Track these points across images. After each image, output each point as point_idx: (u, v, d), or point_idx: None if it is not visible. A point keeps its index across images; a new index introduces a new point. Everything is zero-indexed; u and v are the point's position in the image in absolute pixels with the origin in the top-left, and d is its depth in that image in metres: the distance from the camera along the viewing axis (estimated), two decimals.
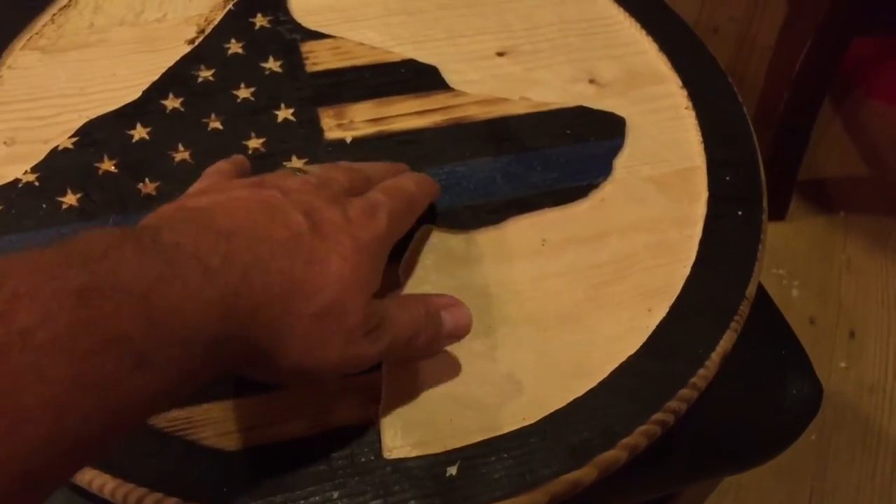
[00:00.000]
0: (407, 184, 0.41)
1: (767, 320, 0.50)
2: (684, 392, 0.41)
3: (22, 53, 0.50)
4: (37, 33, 0.51)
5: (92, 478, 0.36)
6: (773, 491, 0.93)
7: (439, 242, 0.45)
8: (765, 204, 0.48)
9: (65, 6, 0.52)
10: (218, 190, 0.35)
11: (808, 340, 1.02)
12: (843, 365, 1.02)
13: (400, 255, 0.44)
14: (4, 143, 0.46)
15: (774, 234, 1.11)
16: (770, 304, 0.51)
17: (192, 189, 0.38)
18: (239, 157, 0.43)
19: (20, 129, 0.47)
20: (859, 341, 1.04)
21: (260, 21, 0.53)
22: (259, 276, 0.31)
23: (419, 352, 0.38)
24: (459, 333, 0.40)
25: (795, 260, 1.10)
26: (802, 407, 0.47)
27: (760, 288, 0.48)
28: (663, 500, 0.62)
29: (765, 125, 1.07)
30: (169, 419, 0.38)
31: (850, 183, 1.19)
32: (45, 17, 0.52)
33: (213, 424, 0.38)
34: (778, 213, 1.15)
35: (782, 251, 1.10)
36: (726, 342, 0.43)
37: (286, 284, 0.32)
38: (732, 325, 0.43)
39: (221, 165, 0.41)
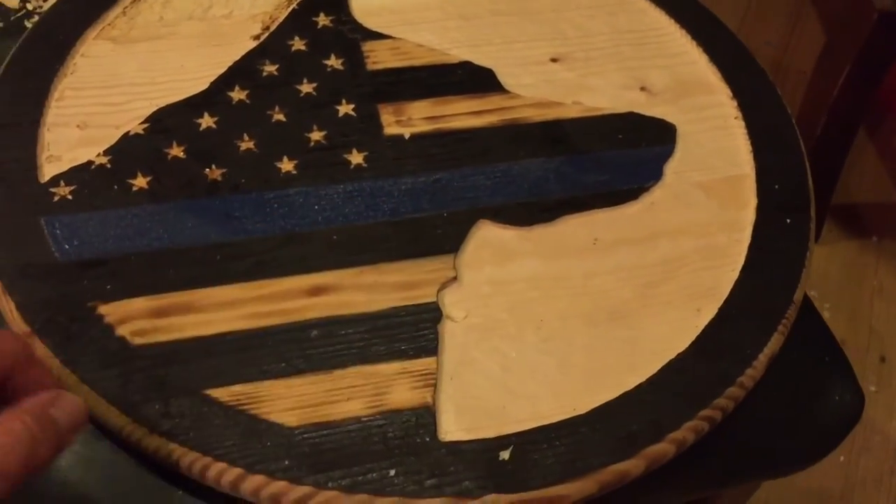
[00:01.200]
0: (28, 433, 0.31)
1: (811, 328, 0.51)
2: (732, 390, 0.42)
3: (95, 43, 0.52)
4: (109, 24, 0.53)
5: (158, 446, 0.37)
6: None
7: (494, 237, 0.46)
8: (812, 213, 0.49)
9: (136, 0, 0.54)
10: None
11: None
12: (872, 389, 1.01)
13: (456, 248, 0.45)
14: (78, 126, 0.48)
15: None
16: (814, 312, 0.52)
17: None
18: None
19: (93, 114, 0.48)
20: (889, 366, 1.03)
21: (322, 20, 0.55)
22: None
23: (46, 464, 0.31)
24: (78, 425, 0.33)
25: (828, 283, 1.11)
26: (844, 413, 0.48)
27: (805, 297, 0.49)
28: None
29: None
30: (234, 394, 0.39)
31: (883, 209, 1.20)
32: (118, 10, 0.53)
33: (277, 400, 0.39)
34: None
35: (815, 273, 1.10)
36: (774, 344, 0.44)
37: None
38: (780, 328, 0.44)
39: None
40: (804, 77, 1.14)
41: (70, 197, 0.45)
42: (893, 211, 1.20)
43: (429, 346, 0.42)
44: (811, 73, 1.10)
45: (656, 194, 0.49)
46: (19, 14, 0.62)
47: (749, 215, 0.49)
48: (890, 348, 1.05)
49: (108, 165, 0.46)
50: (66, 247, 0.43)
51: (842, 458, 0.96)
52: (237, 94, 0.50)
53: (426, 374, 0.41)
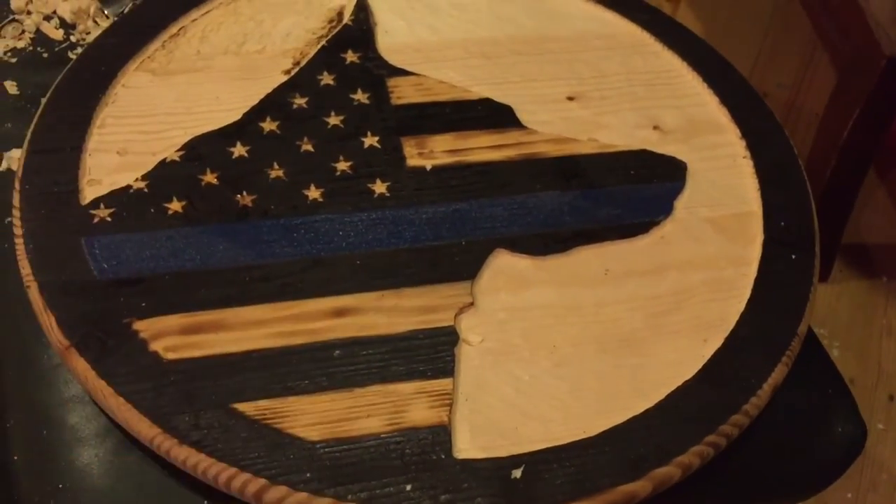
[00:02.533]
0: None
1: (815, 361, 0.52)
2: (737, 418, 0.43)
3: (135, 74, 0.55)
4: (149, 57, 0.56)
5: (186, 456, 0.39)
6: None
7: (510, 265, 0.48)
8: (817, 249, 0.51)
9: (175, 34, 0.57)
10: None
11: None
12: (881, 427, 1.02)
13: (473, 275, 0.47)
14: (117, 152, 0.50)
15: (817, 295, 1.12)
16: (818, 346, 0.54)
17: None
18: None
19: (132, 141, 0.51)
20: None
21: (350, 57, 0.57)
22: None
23: None
24: None
25: (837, 321, 1.12)
26: (847, 445, 0.49)
27: (810, 331, 0.51)
28: None
29: (811, 189, 1.09)
30: (260, 408, 0.41)
31: (893, 249, 1.21)
32: (157, 44, 0.56)
33: (300, 416, 0.41)
34: (821, 275, 1.16)
35: (824, 312, 1.11)
36: (777, 374, 0.45)
37: None
38: (784, 359, 0.46)
39: None
40: (816, 119, 1.16)
41: (109, 219, 0.47)
42: None
43: (446, 367, 0.43)
44: (822, 116, 1.12)
45: (666, 228, 0.51)
46: (63, 45, 0.65)
47: (756, 250, 0.51)
48: None
49: (146, 190, 0.49)
50: (105, 266, 0.45)
51: (849, 496, 0.96)
52: (268, 125, 0.53)
53: (443, 395, 0.43)
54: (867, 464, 0.98)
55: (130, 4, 0.64)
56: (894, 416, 1.04)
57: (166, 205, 0.48)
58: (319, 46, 0.58)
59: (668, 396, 0.44)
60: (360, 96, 0.55)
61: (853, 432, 0.50)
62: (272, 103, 0.54)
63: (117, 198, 0.48)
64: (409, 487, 0.39)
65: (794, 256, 0.50)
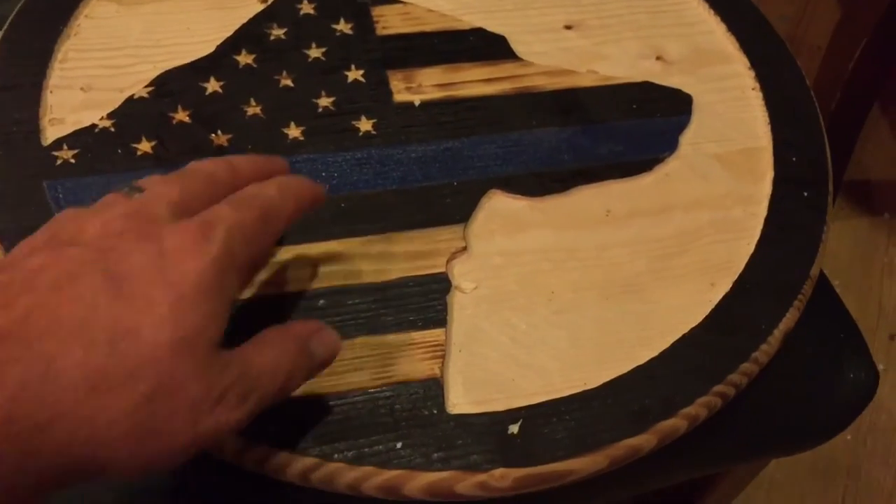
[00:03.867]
0: (266, 190, 0.33)
1: (826, 304, 0.50)
2: (746, 366, 0.41)
3: (99, 4, 0.51)
4: None
5: None
6: (808, 488, 0.92)
7: (505, 207, 0.45)
8: (830, 186, 0.48)
9: None
10: (13, 262, 0.28)
11: None
12: (881, 367, 1.01)
13: (466, 218, 0.44)
14: (81, 89, 0.47)
15: None
16: (829, 289, 0.51)
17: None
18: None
19: (97, 76, 0.47)
20: None
21: None
22: (44, 385, 0.25)
23: (294, 390, 0.33)
24: (330, 361, 0.35)
25: (837, 260, 1.10)
26: (858, 391, 0.47)
27: (821, 272, 0.48)
28: (703, 485, 0.62)
29: None
30: None
31: (895, 186, 1.18)
32: None
33: None
34: None
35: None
36: (789, 320, 0.43)
37: (85, 382, 0.26)
38: (795, 303, 0.43)
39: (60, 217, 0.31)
40: (819, 52, 1.13)
41: (73, 161, 0.44)
42: None
43: (437, 317, 0.41)
44: (826, 48, 1.08)
45: (671, 165, 0.48)
46: None
47: (765, 188, 0.48)
48: None
49: (112, 129, 0.45)
50: None
51: (848, 437, 0.95)
52: (244, 59, 0.49)
53: (435, 346, 0.40)
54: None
55: None
56: (894, 356, 1.02)
57: (135, 145, 0.45)
58: None
59: (674, 345, 0.41)
60: (343, 26, 0.51)
61: (864, 378, 0.48)
62: (248, 34, 0.50)
63: (81, 138, 0.45)
64: (399, 445, 0.37)
65: (805, 194, 0.47)
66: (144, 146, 0.45)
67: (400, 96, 0.49)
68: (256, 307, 0.40)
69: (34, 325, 0.26)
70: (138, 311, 0.27)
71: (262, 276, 0.41)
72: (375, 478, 0.36)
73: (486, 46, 0.52)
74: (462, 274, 0.43)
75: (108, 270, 0.28)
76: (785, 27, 1.34)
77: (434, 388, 0.39)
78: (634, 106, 0.50)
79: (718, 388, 0.40)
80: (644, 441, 0.38)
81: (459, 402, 0.39)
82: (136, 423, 0.27)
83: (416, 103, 0.49)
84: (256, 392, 0.30)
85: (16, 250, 0.30)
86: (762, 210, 0.47)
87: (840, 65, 1.03)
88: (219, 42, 0.50)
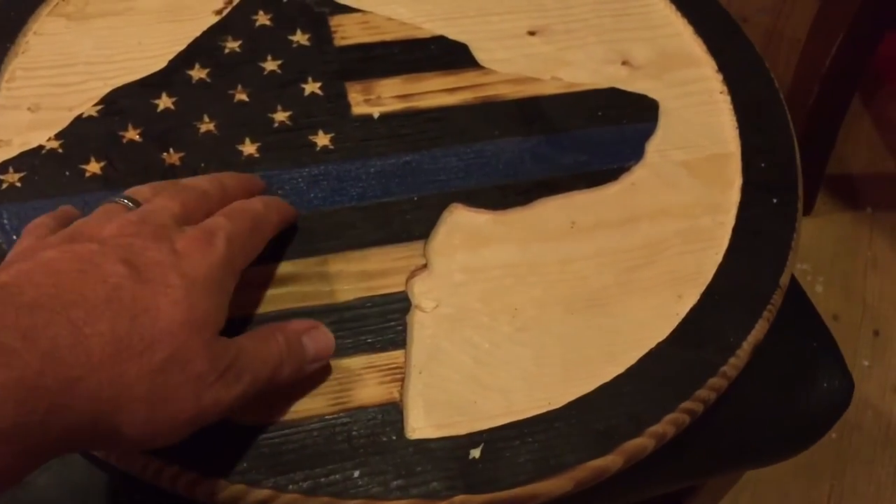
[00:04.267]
0: (253, 205, 0.39)
1: (799, 312, 0.49)
2: (714, 381, 0.40)
3: (48, 19, 0.49)
4: (63, 0, 0.50)
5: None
6: (793, 488, 0.92)
7: (466, 221, 0.44)
8: (800, 192, 0.47)
9: None
10: (25, 256, 0.32)
11: None
12: (866, 363, 1.00)
13: (427, 234, 0.43)
14: (29, 109, 0.45)
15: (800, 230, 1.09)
16: (802, 296, 0.50)
17: (7, 258, 0.34)
18: (65, 209, 0.39)
19: (45, 95, 0.46)
20: (883, 340, 1.02)
21: None
22: (72, 348, 0.28)
23: (286, 381, 0.36)
24: (323, 357, 0.38)
25: (820, 255, 1.09)
26: (832, 400, 0.46)
27: (792, 279, 0.47)
28: (684, 491, 0.61)
29: (793, 119, 1.05)
30: None
31: (877, 179, 1.18)
32: None
33: None
34: (804, 208, 1.14)
35: (807, 246, 1.08)
36: (758, 331, 0.42)
37: (109, 347, 0.29)
38: (765, 314, 0.42)
39: (42, 219, 0.36)
40: (798, 45, 1.12)
41: (19, 184, 0.43)
42: (888, 181, 1.18)
43: (396, 338, 0.40)
44: (804, 42, 1.07)
45: (637, 174, 0.47)
46: None
47: (734, 196, 0.47)
48: (884, 322, 1.04)
49: (60, 150, 0.44)
50: (15, 237, 0.41)
51: (833, 436, 0.94)
52: (197, 73, 0.48)
53: (394, 369, 0.39)
54: (852, 402, 0.96)
55: None
56: (879, 351, 1.01)
57: (83, 166, 0.44)
58: None
59: (640, 360, 0.40)
60: (300, 37, 0.50)
61: (839, 386, 0.47)
62: (201, 48, 0.49)
63: (28, 160, 0.44)
64: (356, 473, 0.36)
65: (775, 201, 0.46)
66: (93, 167, 0.44)
67: (358, 109, 0.48)
68: None
69: (63, 298, 0.29)
70: (156, 294, 0.31)
71: None
72: None
73: (448, 55, 0.51)
74: (422, 292, 0.41)
75: (127, 260, 0.31)
76: (765, 20, 1.33)
77: (393, 413, 0.38)
78: (599, 113, 0.49)
79: (686, 404, 0.39)
80: (610, 462, 0.37)
81: (419, 426, 0.38)
82: (151, 389, 0.30)
83: (376, 116, 0.47)
84: (249, 374, 0.33)
85: (21, 247, 0.34)
86: (731, 218, 0.46)
87: (818, 59, 1.02)
88: (171, 56, 0.48)
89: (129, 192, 0.37)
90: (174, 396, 0.30)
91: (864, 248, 1.10)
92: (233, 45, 0.49)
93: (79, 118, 0.45)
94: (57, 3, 0.50)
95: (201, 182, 0.39)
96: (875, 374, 0.99)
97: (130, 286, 0.30)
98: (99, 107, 0.46)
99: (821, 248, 1.10)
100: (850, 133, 1.20)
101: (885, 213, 1.14)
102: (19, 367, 0.27)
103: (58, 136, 0.44)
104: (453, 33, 0.52)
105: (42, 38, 0.49)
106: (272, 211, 0.40)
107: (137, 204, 0.36)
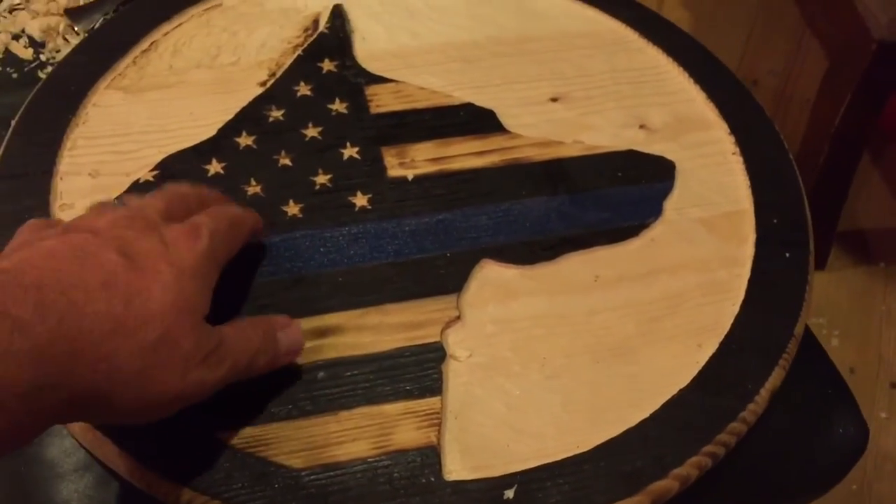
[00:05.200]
0: (230, 208, 0.43)
1: (814, 361, 0.51)
2: (734, 426, 0.42)
3: (106, 93, 0.53)
4: (120, 74, 0.54)
5: (168, 490, 0.38)
6: None
7: (496, 276, 0.47)
8: (811, 246, 0.50)
9: (146, 49, 0.56)
10: (24, 246, 0.34)
11: None
12: (883, 415, 1.01)
13: (459, 288, 0.46)
14: (90, 174, 0.49)
15: (815, 284, 1.11)
16: (816, 346, 0.52)
17: (4, 250, 0.36)
18: (58, 219, 0.42)
19: (104, 162, 0.50)
20: None
21: (327, 66, 0.56)
22: (75, 323, 0.31)
23: (260, 371, 0.39)
24: (295, 351, 0.41)
25: (836, 310, 1.11)
26: (848, 446, 0.48)
27: (807, 329, 0.49)
28: None
29: (804, 177, 1.08)
30: (243, 437, 0.39)
31: (889, 235, 1.20)
32: (128, 59, 0.55)
33: (285, 442, 0.40)
34: (818, 263, 1.16)
35: (822, 301, 1.11)
36: (775, 378, 0.44)
37: (106, 325, 0.32)
38: (781, 362, 0.45)
39: (37, 220, 0.39)
40: (808, 105, 1.15)
41: None
42: None
43: (433, 385, 0.42)
44: (813, 102, 1.10)
45: (657, 230, 0.50)
46: (33, 64, 0.64)
47: (749, 250, 0.49)
48: None
49: None
50: None
51: (854, 487, 0.95)
52: (244, 140, 0.51)
53: (431, 414, 0.41)
54: (871, 453, 0.97)
55: (101, 20, 0.62)
56: None
57: None
58: (295, 56, 0.56)
59: (664, 406, 0.43)
60: (339, 106, 0.54)
61: (854, 433, 0.49)
62: (248, 117, 0.53)
63: None
64: None
65: (787, 254, 0.49)
66: None
67: (394, 171, 0.51)
68: (254, 380, 0.41)
69: (63, 281, 0.32)
70: (149, 279, 0.34)
71: None
72: None
73: (476, 121, 0.54)
74: (456, 342, 0.44)
75: (121, 249, 0.34)
76: (774, 81, 1.37)
77: (431, 456, 0.40)
78: (619, 174, 0.52)
79: (708, 448, 0.41)
80: (637, 502, 0.39)
81: (456, 468, 0.40)
82: (142, 364, 0.33)
83: (410, 178, 0.51)
84: (230, 359, 0.36)
85: (18, 240, 0.36)
86: (746, 271, 0.48)
87: (827, 118, 1.05)
88: (220, 125, 0.52)
89: (123, 197, 0.41)
90: (163, 373, 0.33)
91: (879, 302, 1.12)
92: (277, 113, 0.53)
93: (136, 183, 0.49)
94: (114, 78, 0.54)
95: (182, 187, 0.43)
96: (893, 427, 1.00)
97: (124, 272, 0.33)
98: (154, 172, 0.49)
99: (836, 302, 1.12)
100: (861, 190, 1.23)
101: None
102: (33, 337, 0.30)
103: (118, 200, 0.48)
104: (481, 100, 0.55)
105: (100, 109, 0.52)
106: (247, 215, 0.44)
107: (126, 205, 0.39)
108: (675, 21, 0.63)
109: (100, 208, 0.38)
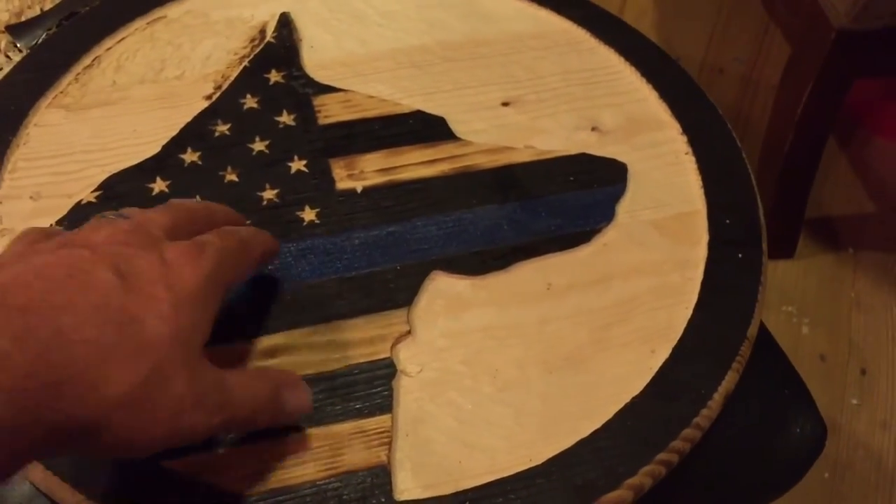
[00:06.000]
0: (240, 230, 0.40)
1: (770, 360, 0.51)
2: (688, 432, 0.42)
3: (48, 111, 0.52)
4: (62, 91, 0.53)
5: None
6: None
7: (447, 288, 0.46)
8: (764, 246, 0.50)
9: (88, 66, 0.55)
10: (17, 259, 0.32)
11: (819, 377, 1.02)
12: (854, 402, 1.02)
13: (410, 301, 0.46)
14: (31, 197, 0.48)
15: (784, 272, 1.12)
16: (773, 345, 0.52)
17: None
18: (56, 228, 0.39)
19: (46, 184, 0.49)
20: (871, 378, 1.04)
21: (274, 77, 0.55)
22: (60, 352, 0.29)
23: (257, 428, 0.37)
24: (299, 414, 0.39)
25: (805, 297, 1.11)
26: (807, 446, 0.48)
27: (763, 328, 0.49)
28: None
29: (771, 164, 1.09)
30: (190, 464, 0.39)
31: (857, 220, 1.21)
32: (70, 76, 0.54)
33: (233, 469, 0.39)
34: (786, 251, 1.16)
35: (791, 289, 1.11)
36: (729, 382, 0.44)
37: (95, 355, 0.30)
38: (734, 365, 0.44)
39: (34, 229, 0.36)
40: (773, 92, 1.15)
41: None
42: (868, 222, 1.20)
43: (384, 403, 0.42)
44: (777, 89, 1.11)
45: (609, 235, 0.50)
46: None
47: (701, 252, 0.49)
48: (870, 360, 1.06)
49: None
50: None
51: (826, 475, 0.96)
52: (189, 156, 0.51)
53: (381, 433, 0.41)
54: (843, 441, 0.98)
55: (43, 35, 0.61)
56: (867, 390, 1.03)
57: None
58: (241, 68, 0.56)
59: (616, 415, 0.42)
60: (286, 118, 0.53)
61: (812, 432, 0.49)
62: (193, 132, 0.52)
63: None
64: None
65: (740, 255, 0.49)
66: None
67: (342, 184, 0.50)
68: None
69: (53, 303, 0.30)
70: (143, 305, 0.31)
71: None
72: None
73: (426, 128, 0.53)
74: (407, 358, 0.44)
75: (117, 268, 0.32)
76: (740, 69, 1.38)
77: (382, 476, 0.39)
78: (571, 178, 0.52)
79: (662, 456, 0.41)
80: None
81: (407, 487, 0.39)
82: (131, 398, 0.30)
83: (359, 190, 0.50)
84: (229, 411, 0.34)
85: (12, 251, 0.34)
86: (699, 274, 0.48)
87: (791, 106, 1.06)
88: (164, 141, 0.51)
89: (124, 209, 0.38)
90: (152, 411, 0.31)
91: (848, 288, 1.13)
92: (223, 128, 0.52)
93: (78, 204, 0.48)
94: (56, 95, 0.53)
95: (190, 203, 0.41)
96: (864, 413, 1.01)
97: (118, 295, 0.31)
98: (97, 192, 0.48)
99: (805, 289, 1.12)
100: (828, 176, 1.23)
101: (867, 253, 1.16)
102: (11, 369, 0.28)
103: (59, 223, 0.47)
104: (431, 107, 0.55)
105: (42, 129, 0.51)
106: (258, 238, 0.41)
107: (127, 218, 0.36)
108: (639, 12, 0.63)
109: (100, 221, 0.36)
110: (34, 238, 0.35)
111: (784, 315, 1.08)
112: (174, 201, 0.40)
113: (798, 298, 1.11)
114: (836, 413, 0.97)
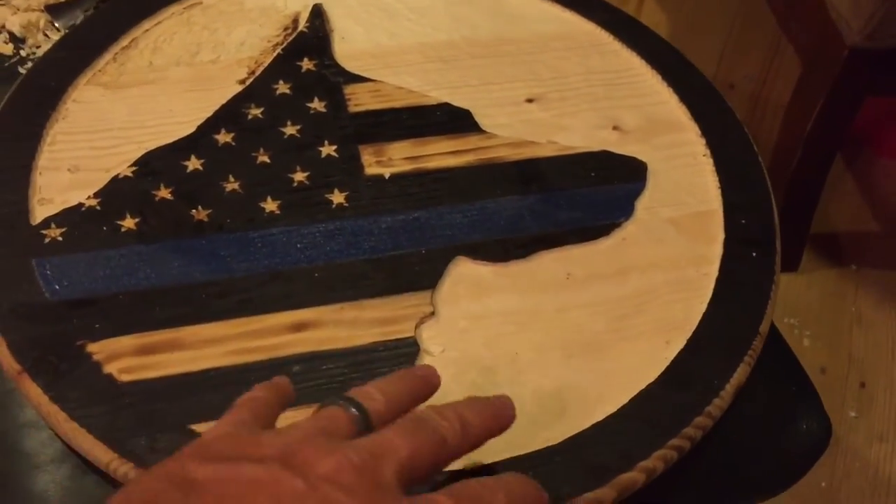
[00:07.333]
0: (498, 495, 0.31)
1: (779, 358, 0.52)
2: (700, 420, 0.43)
3: (86, 88, 0.54)
4: (100, 70, 0.55)
5: None
6: None
7: (471, 273, 0.48)
8: (778, 246, 0.51)
9: (126, 46, 0.56)
10: (228, 457, 0.28)
11: (819, 390, 1.03)
12: (853, 414, 1.03)
13: (434, 284, 0.47)
14: (69, 170, 0.50)
15: (787, 285, 1.13)
16: (782, 343, 0.54)
17: (208, 435, 0.31)
18: (282, 382, 0.35)
19: (83, 157, 0.50)
20: (869, 392, 1.05)
21: (306, 65, 0.57)
22: None
23: None
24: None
25: (807, 310, 1.12)
26: (812, 442, 0.50)
27: (773, 327, 0.51)
28: None
29: (778, 180, 1.10)
30: None
31: (861, 237, 1.22)
32: (108, 56, 0.55)
33: None
34: (791, 265, 1.17)
35: (795, 301, 1.12)
36: (740, 375, 0.45)
37: None
38: (746, 359, 0.46)
39: (257, 393, 0.33)
40: (782, 110, 1.17)
41: (60, 238, 0.46)
42: (871, 239, 1.22)
43: None
44: (787, 107, 1.12)
45: (628, 230, 0.51)
46: (13, 60, 0.64)
47: (717, 249, 0.50)
48: (869, 374, 1.07)
49: (98, 207, 0.48)
50: (57, 287, 0.44)
51: (823, 485, 0.97)
52: (223, 137, 0.52)
53: None
54: (840, 452, 0.99)
55: (82, 17, 0.63)
56: (866, 403, 1.04)
57: (119, 222, 0.47)
58: (275, 55, 0.57)
59: (631, 401, 0.44)
60: (317, 105, 0.55)
61: (818, 429, 0.50)
62: (227, 114, 0.53)
63: (69, 217, 0.47)
64: None
65: (754, 254, 0.50)
66: (129, 223, 0.47)
67: (371, 170, 0.52)
68: (231, 373, 0.42)
69: None
70: None
71: (239, 345, 0.43)
72: None
73: (452, 120, 0.55)
74: (430, 338, 0.45)
75: None
76: (750, 86, 1.39)
77: None
78: (592, 174, 0.53)
79: (674, 441, 0.42)
80: (603, 494, 0.40)
81: None
82: None
83: (386, 176, 0.52)
84: None
85: (230, 431, 0.30)
86: (714, 270, 0.49)
87: (800, 123, 1.07)
88: (199, 122, 0.53)
89: (361, 396, 0.32)
90: None
91: (850, 303, 1.14)
92: (256, 111, 0.54)
93: (115, 178, 0.49)
94: (94, 74, 0.54)
95: (442, 421, 0.32)
96: (863, 426, 1.02)
97: None
98: (134, 168, 0.50)
99: (808, 303, 1.13)
100: (834, 194, 1.25)
101: (869, 270, 1.18)
102: None
103: (96, 195, 0.48)
104: (457, 101, 0.56)
105: (81, 105, 0.53)
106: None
107: (365, 417, 0.31)
108: (653, 25, 0.64)
109: (330, 425, 0.31)
110: (257, 412, 0.31)
111: (786, 327, 1.09)
112: (424, 411, 0.33)
113: (801, 311, 1.12)
114: (835, 425, 0.98)
